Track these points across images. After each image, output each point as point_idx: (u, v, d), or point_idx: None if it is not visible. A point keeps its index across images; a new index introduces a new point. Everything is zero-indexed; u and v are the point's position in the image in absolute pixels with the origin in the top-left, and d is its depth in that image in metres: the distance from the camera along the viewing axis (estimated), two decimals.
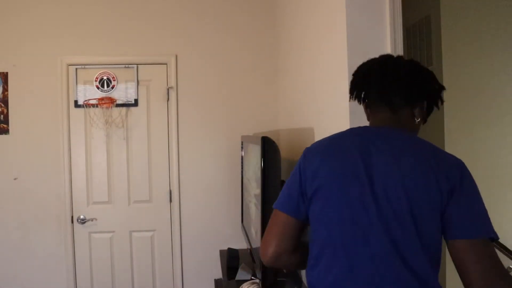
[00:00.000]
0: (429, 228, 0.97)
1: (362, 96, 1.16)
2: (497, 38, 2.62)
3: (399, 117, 1.11)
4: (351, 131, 1.13)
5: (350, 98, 1.19)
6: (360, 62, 1.18)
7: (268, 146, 1.63)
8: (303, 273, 2.10)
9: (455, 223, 0.96)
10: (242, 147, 2.55)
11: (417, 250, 0.97)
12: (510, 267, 2.14)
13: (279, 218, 1.14)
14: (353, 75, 1.19)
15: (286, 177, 2.49)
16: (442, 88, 1.14)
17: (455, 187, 0.97)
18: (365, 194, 1.00)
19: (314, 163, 1.10)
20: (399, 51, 1.50)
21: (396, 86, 1.10)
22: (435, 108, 1.17)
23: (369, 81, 1.14)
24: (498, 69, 2.59)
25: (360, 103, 1.19)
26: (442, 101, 1.15)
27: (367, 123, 1.18)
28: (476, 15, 2.61)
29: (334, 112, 1.67)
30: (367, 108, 1.19)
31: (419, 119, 1.13)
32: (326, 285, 1.04)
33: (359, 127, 1.13)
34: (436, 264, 1.00)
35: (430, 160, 0.99)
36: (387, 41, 1.49)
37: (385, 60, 1.15)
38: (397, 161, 1.00)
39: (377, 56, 1.17)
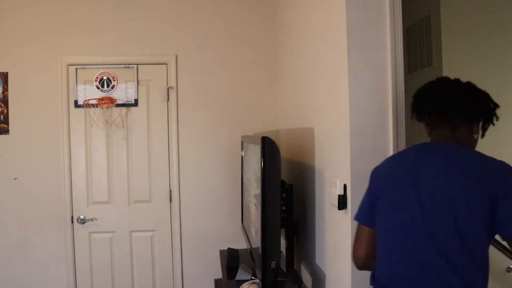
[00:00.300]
0: (471, 231, 1.07)
1: (424, 115, 1.30)
2: (497, 38, 2.62)
3: (459, 133, 1.25)
4: (410, 149, 1.30)
5: (411, 117, 1.34)
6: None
7: (268, 146, 1.62)
8: (303, 273, 2.11)
9: (506, 223, 1.06)
10: (242, 147, 2.55)
11: (459, 251, 1.07)
12: (510, 267, 2.14)
13: (360, 229, 1.35)
14: (414, 96, 1.33)
15: (286, 177, 2.50)
16: (496, 106, 1.27)
17: (498, 190, 1.06)
18: (412, 201, 1.16)
19: (377, 178, 1.31)
20: (399, 51, 1.50)
21: (457, 106, 1.23)
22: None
23: (431, 101, 1.27)
24: (498, 69, 2.59)
25: (419, 121, 1.33)
26: (497, 118, 1.27)
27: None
28: (476, 15, 2.61)
29: (334, 112, 1.67)
30: (427, 126, 1.32)
31: (477, 135, 1.27)
32: (384, 278, 1.22)
33: (420, 144, 1.29)
34: (480, 266, 1.09)
35: (475, 169, 1.11)
36: (387, 41, 1.49)
37: (444, 82, 1.29)
38: (444, 172, 1.14)
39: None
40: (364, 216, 1.33)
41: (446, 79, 1.30)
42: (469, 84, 1.27)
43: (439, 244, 1.09)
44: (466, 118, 1.24)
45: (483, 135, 1.29)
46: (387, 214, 1.23)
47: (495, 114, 1.27)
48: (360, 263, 1.33)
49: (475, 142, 1.29)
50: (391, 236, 1.21)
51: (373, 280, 1.27)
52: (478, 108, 1.25)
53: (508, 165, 1.11)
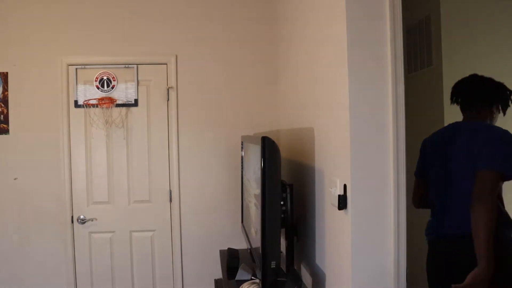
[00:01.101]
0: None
1: (459, 101, 1.87)
2: (497, 38, 2.62)
3: (481, 114, 1.83)
4: (448, 125, 1.90)
5: (451, 103, 1.92)
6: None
7: (268, 146, 1.62)
8: (303, 273, 2.11)
9: (476, 161, 1.63)
10: (242, 147, 2.55)
11: (465, 181, 1.67)
12: None
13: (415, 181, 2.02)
14: (453, 88, 1.92)
15: (286, 177, 2.50)
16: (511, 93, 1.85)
17: (484, 144, 1.64)
18: (442, 159, 1.80)
19: (423, 146, 1.98)
20: (399, 51, 1.50)
21: (477, 96, 1.83)
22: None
23: (461, 92, 1.87)
24: (498, 69, 2.59)
25: (457, 105, 1.91)
26: None
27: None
28: (476, 15, 2.61)
29: (334, 112, 1.67)
30: (461, 109, 1.89)
31: (495, 114, 1.85)
32: (435, 216, 1.88)
33: (454, 122, 1.88)
34: (465, 197, 1.64)
35: (482, 133, 1.69)
36: (387, 41, 1.49)
37: (473, 78, 1.86)
38: (465, 138, 1.72)
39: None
40: (416, 171, 1.98)
41: (475, 75, 1.85)
42: (490, 78, 1.82)
43: (460, 184, 1.69)
44: (485, 103, 1.81)
45: (504, 114, 1.85)
46: (429, 170, 1.87)
47: (510, 99, 1.83)
48: (414, 203, 1.98)
49: (494, 120, 1.85)
50: (431, 184, 1.86)
51: (427, 228, 1.88)
52: (493, 96, 1.81)
53: (498, 131, 1.68)
